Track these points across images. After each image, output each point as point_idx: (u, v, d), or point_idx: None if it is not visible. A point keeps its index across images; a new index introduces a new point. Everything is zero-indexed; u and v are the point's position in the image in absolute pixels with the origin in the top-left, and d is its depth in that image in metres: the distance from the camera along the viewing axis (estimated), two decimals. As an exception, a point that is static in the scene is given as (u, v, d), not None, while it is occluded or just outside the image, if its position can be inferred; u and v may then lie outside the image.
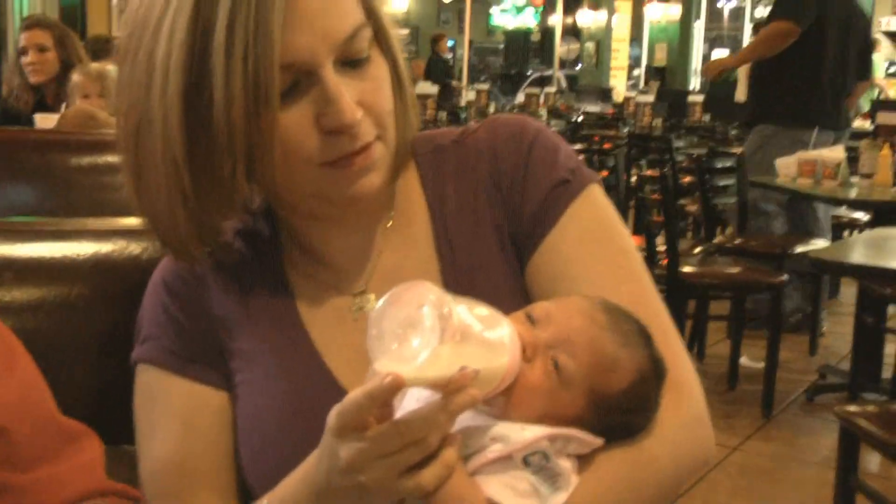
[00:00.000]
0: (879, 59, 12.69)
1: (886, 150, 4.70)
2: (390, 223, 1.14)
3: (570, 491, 0.92)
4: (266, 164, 0.97)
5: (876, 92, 11.85)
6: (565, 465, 0.92)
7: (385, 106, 1.03)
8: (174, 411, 1.10)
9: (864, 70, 5.62)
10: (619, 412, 0.97)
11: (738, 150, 6.55)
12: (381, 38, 1.03)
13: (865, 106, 11.22)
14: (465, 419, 0.90)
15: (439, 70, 14.52)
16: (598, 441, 0.95)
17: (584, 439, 0.94)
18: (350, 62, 0.99)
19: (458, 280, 1.09)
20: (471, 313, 0.87)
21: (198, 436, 1.09)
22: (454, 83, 11.07)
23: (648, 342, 0.99)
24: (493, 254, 1.11)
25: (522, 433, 0.90)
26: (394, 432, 0.83)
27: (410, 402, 0.87)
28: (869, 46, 5.65)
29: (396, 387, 0.81)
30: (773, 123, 5.44)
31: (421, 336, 0.82)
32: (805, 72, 5.30)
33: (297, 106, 0.96)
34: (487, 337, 0.88)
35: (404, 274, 1.09)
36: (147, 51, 0.96)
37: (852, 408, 2.58)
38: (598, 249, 1.10)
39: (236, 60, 0.91)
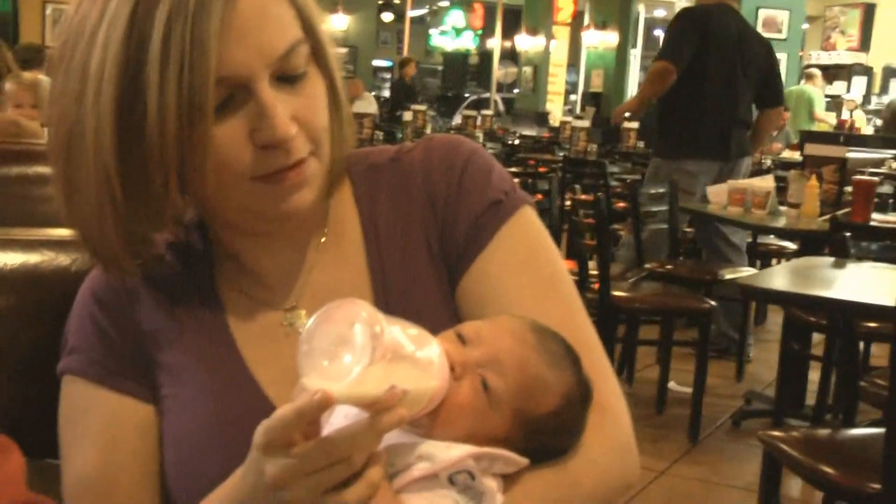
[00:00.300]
0: (818, 94, 12.96)
1: (814, 181, 4.80)
2: (323, 239, 1.14)
3: None
4: (198, 178, 0.96)
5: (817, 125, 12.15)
6: (490, 484, 0.93)
7: (320, 122, 1.03)
8: (98, 424, 1.08)
9: (771, 97, 5.82)
10: (546, 433, 0.97)
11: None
12: (318, 54, 1.04)
13: (794, 137, 11.47)
14: (392, 437, 0.90)
15: (403, 95, 14.44)
16: (523, 461, 0.96)
17: (510, 459, 0.95)
18: (286, 77, 0.99)
19: (389, 299, 1.09)
20: (402, 333, 0.88)
21: (121, 450, 1.08)
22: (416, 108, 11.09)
23: (576, 365, 1.00)
24: (424, 273, 1.11)
25: (448, 452, 0.91)
26: (319, 450, 0.83)
27: (338, 419, 0.87)
28: (773, 73, 5.77)
29: (325, 404, 0.81)
30: (658, 156, 5.79)
31: (352, 354, 0.82)
32: (686, 107, 5.54)
33: (231, 120, 0.96)
34: (418, 357, 0.88)
35: (335, 291, 1.09)
36: (81, 60, 0.95)
37: (776, 433, 2.62)
38: (528, 272, 1.10)
39: (171, 73, 0.91)
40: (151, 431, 1.09)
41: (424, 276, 1.11)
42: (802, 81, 14.30)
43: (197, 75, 0.91)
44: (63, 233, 1.34)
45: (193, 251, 1.14)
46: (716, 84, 5.52)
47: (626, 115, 6.38)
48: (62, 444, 1.11)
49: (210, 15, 0.91)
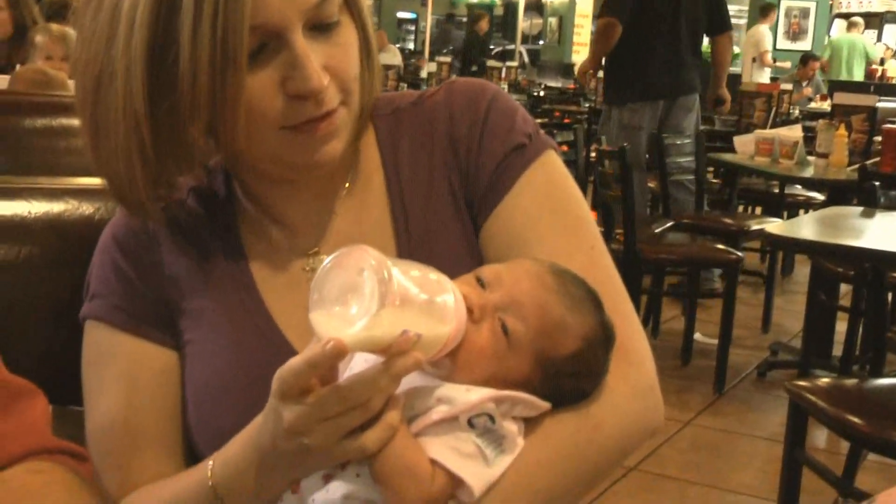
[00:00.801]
0: (870, 44, 12.81)
1: (842, 131, 4.75)
2: (347, 185, 1.13)
3: (515, 454, 0.93)
4: (229, 126, 0.96)
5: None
6: (511, 427, 0.93)
7: (351, 72, 1.02)
8: (121, 369, 1.09)
9: (717, 24, 5.90)
10: (567, 376, 0.97)
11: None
12: (350, 3, 1.02)
13: (824, 87, 11.34)
14: (411, 380, 0.90)
15: (478, 50, 14.00)
16: (545, 405, 0.96)
17: (530, 402, 0.94)
18: (319, 26, 0.98)
19: (412, 243, 1.09)
20: (413, 278, 0.87)
21: (144, 395, 1.08)
22: (490, 62, 10.90)
23: (598, 307, 0.99)
24: (448, 217, 1.10)
25: (468, 395, 0.90)
26: (336, 396, 0.84)
27: (358, 363, 0.87)
28: (716, 1, 5.85)
29: (338, 353, 0.81)
30: (607, 103, 5.97)
31: (360, 301, 0.82)
32: (629, 53, 5.66)
33: (263, 68, 0.95)
34: (431, 301, 0.87)
35: (358, 236, 1.09)
36: (112, 2, 0.94)
37: (802, 382, 2.61)
38: (552, 216, 1.10)
39: (205, 19, 0.90)
40: (173, 376, 1.09)
41: (447, 220, 1.10)
42: (842, 30, 14.10)
43: (231, 23, 0.90)
44: (86, 181, 1.35)
45: (216, 196, 1.13)
46: (657, 28, 5.62)
47: (590, 72, 6.49)
48: (85, 388, 1.11)
49: None
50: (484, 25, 14.52)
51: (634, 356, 1.05)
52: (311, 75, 0.95)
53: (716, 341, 4.45)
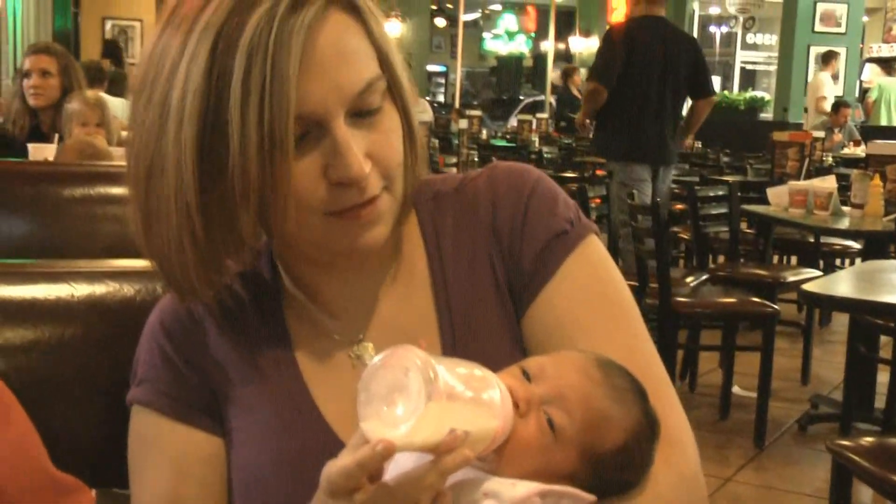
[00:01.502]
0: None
1: (877, 181, 4.72)
2: (391, 272, 1.13)
3: None
4: (279, 212, 0.96)
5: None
6: None
7: (394, 158, 1.02)
8: (166, 456, 1.09)
9: (698, 88, 6.27)
10: (613, 469, 0.96)
11: (730, 178, 6.59)
12: (393, 89, 1.03)
13: (856, 132, 11.29)
14: (459, 474, 0.90)
15: (567, 105, 13.31)
16: (590, 498, 0.94)
17: (576, 496, 0.93)
18: (361, 113, 0.98)
19: (455, 332, 1.09)
20: (458, 375, 0.87)
21: (189, 483, 1.08)
22: (471, 114, 10.76)
23: (643, 398, 0.99)
24: (491, 305, 1.10)
25: (514, 489, 0.90)
26: (385, 494, 0.84)
27: (404, 458, 0.87)
28: (699, 67, 6.17)
29: (387, 454, 0.81)
30: (606, 159, 6.39)
31: (408, 400, 0.82)
32: (618, 115, 6.08)
33: (306, 155, 0.96)
34: (476, 398, 0.87)
35: (402, 324, 1.09)
36: (162, 95, 0.95)
37: (845, 442, 2.57)
38: (595, 303, 1.09)
39: (252, 110, 0.91)
40: (219, 464, 1.09)
41: (490, 308, 1.10)
42: (875, 73, 14.03)
43: (277, 113, 0.91)
44: (126, 263, 1.36)
45: (262, 281, 1.14)
46: (643, 94, 6.01)
47: (586, 122, 6.80)
48: (131, 472, 1.12)
49: (290, 51, 0.91)
50: (577, 80, 13.55)
51: (678, 445, 1.04)
52: (352, 163, 0.96)
53: (754, 394, 4.40)
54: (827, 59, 12.92)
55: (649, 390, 1.00)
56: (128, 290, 1.30)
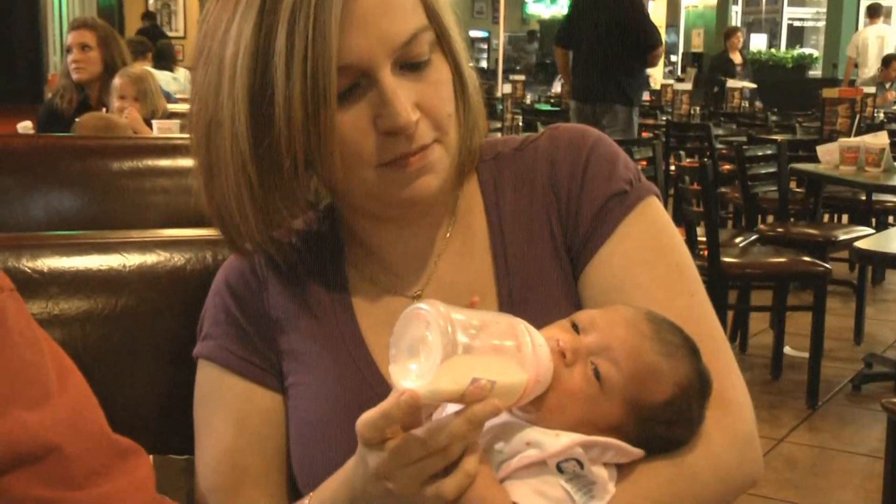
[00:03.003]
0: None
1: (930, 136, 4.64)
2: (450, 229, 1.15)
3: (605, 500, 0.92)
4: (327, 164, 0.99)
5: None
6: (601, 473, 0.92)
7: (444, 109, 1.04)
8: (228, 410, 1.13)
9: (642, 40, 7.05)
10: (660, 424, 0.96)
11: (778, 137, 6.50)
12: (443, 41, 1.05)
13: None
14: (503, 424, 0.91)
15: (721, 69, 12.25)
16: (637, 452, 0.95)
17: (622, 449, 0.94)
18: (409, 65, 1.01)
19: (512, 290, 1.10)
20: (485, 328, 0.88)
21: (250, 436, 1.12)
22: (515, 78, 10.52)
23: (694, 355, 0.98)
24: (548, 264, 1.11)
25: (557, 439, 0.90)
26: (415, 443, 0.86)
27: (450, 409, 0.89)
28: (629, 26, 6.87)
29: (412, 404, 0.83)
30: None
31: (428, 354, 0.84)
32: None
33: (355, 107, 0.99)
34: (505, 350, 0.88)
35: (460, 281, 1.11)
36: (217, 53, 1.00)
37: (900, 399, 2.54)
38: (651, 263, 1.09)
39: (296, 62, 0.94)
40: (278, 418, 1.12)
41: (547, 268, 1.11)
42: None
43: (320, 64, 0.94)
44: (177, 233, 1.38)
45: (324, 238, 1.16)
46: (584, 45, 6.96)
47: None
48: (196, 424, 1.15)
49: (331, 4, 0.94)
50: (736, 42, 12.44)
51: (733, 405, 1.03)
52: (399, 111, 0.98)
53: (807, 355, 4.37)
54: (873, 12, 12.63)
55: (706, 350, 1.00)
56: (178, 259, 1.31)
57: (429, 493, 0.87)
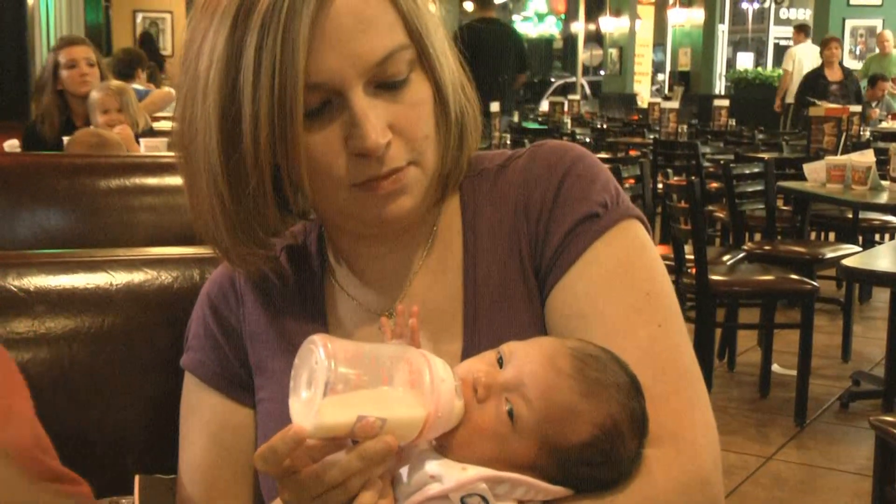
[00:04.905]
0: None
1: (916, 154, 4.66)
2: (429, 247, 1.12)
3: None
4: (295, 182, 0.98)
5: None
6: None
7: (420, 131, 1.00)
8: (204, 422, 1.14)
9: (519, 66, 8.70)
10: (580, 464, 0.91)
11: (765, 155, 6.52)
12: (424, 59, 1.01)
13: (895, 106, 11.15)
14: (417, 455, 0.90)
15: (815, 88, 10.21)
16: (556, 490, 0.90)
17: (536, 486, 0.90)
18: (385, 84, 0.97)
19: (478, 311, 1.07)
20: (374, 363, 0.87)
21: (222, 449, 1.12)
22: (551, 98, 10.39)
23: (627, 393, 0.93)
24: (515, 287, 1.07)
25: (461, 473, 0.88)
26: (312, 477, 0.86)
27: (413, 453, 0.90)
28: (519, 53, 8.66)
29: (297, 439, 0.84)
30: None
31: (316, 389, 0.84)
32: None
33: (326, 126, 0.96)
34: (403, 382, 0.87)
35: (431, 300, 1.09)
36: (194, 63, 0.99)
37: (887, 417, 2.54)
38: (618, 290, 1.04)
39: (263, 78, 0.92)
40: (250, 433, 1.13)
41: (515, 290, 1.07)
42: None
43: (287, 82, 0.92)
44: (163, 251, 1.37)
45: (309, 251, 1.16)
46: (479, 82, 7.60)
47: None
48: (181, 431, 1.16)
49: (301, 21, 0.91)
50: (832, 55, 10.44)
51: (687, 445, 0.97)
52: (368, 134, 0.95)
53: (794, 372, 4.37)
54: (801, 30, 12.78)
55: (667, 385, 0.97)
56: (165, 277, 1.31)
57: None
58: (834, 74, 10.32)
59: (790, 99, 11.63)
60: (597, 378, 0.91)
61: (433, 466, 0.89)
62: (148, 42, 11.06)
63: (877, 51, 11.87)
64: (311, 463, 0.86)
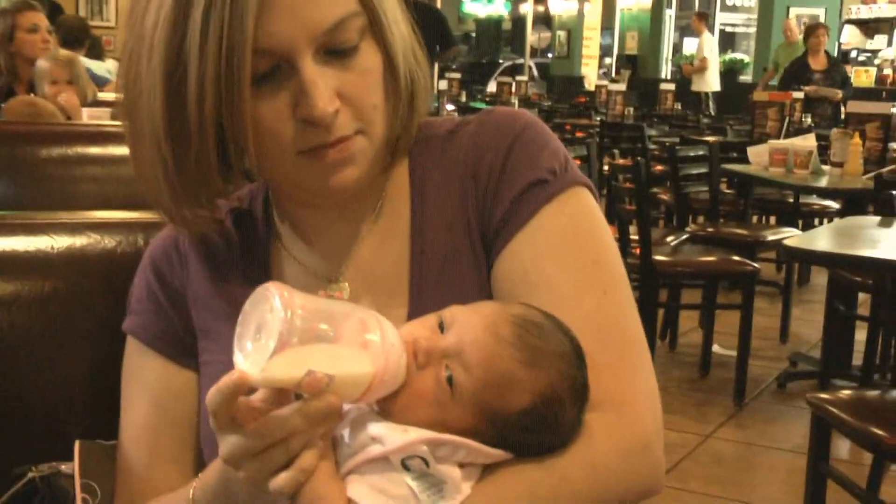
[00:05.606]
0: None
1: (857, 139, 4.74)
2: (377, 213, 1.11)
3: (457, 500, 0.88)
4: (239, 147, 0.97)
5: None
6: (452, 473, 0.88)
7: (369, 100, 1.00)
8: (146, 386, 1.13)
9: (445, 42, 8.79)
10: (520, 430, 0.91)
11: (710, 138, 6.60)
12: (376, 27, 1.00)
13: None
14: (356, 416, 0.90)
15: (798, 76, 9.48)
16: (496, 453, 0.91)
17: (476, 449, 0.90)
18: (334, 51, 0.96)
19: (424, 277, 1.07)
20: (329, 319, 0.86)
21: (164, 413, 1.11)
22: (451, 76, 10.52)
23: (568, 360, 0.93)
24: (462, 252, 1.07)
25: (402, 436, 0.88)
26: (254, 432, 0.85)
27: (355, 415, 0.89)
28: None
29: (241, 385, 0.83)
30: None
31: (268, 338, 0.82)
32: None
33: (273, 92, 0.95)
34: (346, 343, 0.86)
35: (377, 266, 1.09)
36: (140, 19, 0.96)
37: (824, 395, 2.60)
38: (564, 257, 1.04)
39: (211, 41, 0.90)
40: (192, 397, 1.12)
41: (461, 256, 1.07)
42: (854, 37, 14.12)
43: (234, 46, 0.90)
44: (107, 215, 1.35)
45: (253, 217, 1.15)
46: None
47: None
48: (122, 395, 1.15)
49: None
50: (817, 43, 9.75)
51: (629, 413, 0.98)
52: (316, 102, 0.94)
53: (734, 353, 4.44)
54: (700, 17, 13.46)
55: (612, 352, 0.98)
56: (108, 241, 1.29)
57: (272, 486, 0.86)
58: (818, 63, 9.75)
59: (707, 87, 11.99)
60: (537, 346, 0.92)
61: (375, 428, 0.89)
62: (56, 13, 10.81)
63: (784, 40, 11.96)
64: (253, 420, 0.85)
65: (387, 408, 0.90)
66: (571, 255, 1.04)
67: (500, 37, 26.50)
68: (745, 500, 3.46)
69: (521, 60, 20.71)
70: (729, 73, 16.52)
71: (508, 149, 1.08)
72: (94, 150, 2.32)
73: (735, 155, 5.68)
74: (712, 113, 11.47)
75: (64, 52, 4.36)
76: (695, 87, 13.02)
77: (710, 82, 13.11)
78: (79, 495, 1.13)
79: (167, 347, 1.12)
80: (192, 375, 1.12)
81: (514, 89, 11.19)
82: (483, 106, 10.60)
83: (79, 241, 1.29)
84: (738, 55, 18.48)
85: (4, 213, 1.39)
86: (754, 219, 6.41)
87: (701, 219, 5.98)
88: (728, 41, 22.43)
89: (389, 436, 0.88)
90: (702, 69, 13.02)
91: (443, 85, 8.28)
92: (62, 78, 4.09)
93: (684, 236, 4.94)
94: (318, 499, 0.86)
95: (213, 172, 1.00)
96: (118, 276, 1.24)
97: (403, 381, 0.89)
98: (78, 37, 5.94)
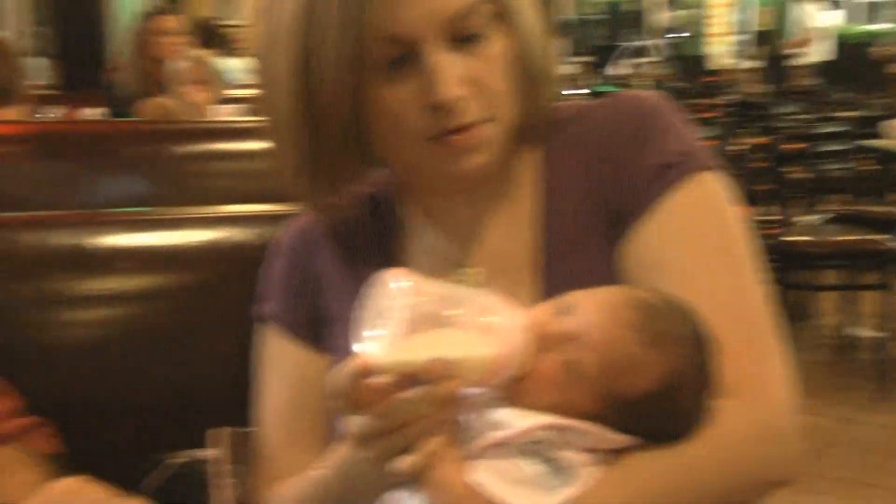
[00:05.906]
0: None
1: None
2: (505, 197, 1.12)
3: (580, 486, 0.88)
4: (372, 134, 1.00)
5: None
6: (575, 458, 0.88)
7: (497, 86, 1.01)
8: (279, 371, 1.16)
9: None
10: (644, 416, 0.90)
11: (847, 114, 6.36)
12: (506, 14, 1.01)
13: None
14: (479, 401, 0.90)
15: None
16: (619, 438, 0.90)
17: (599, 434, 0.89)
18: (462, 38, 0.98)
19: (553, 261, 1.07)
20: (454, 303, 0.87)
21: (299, 398, 1.15)
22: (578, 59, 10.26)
23: (693, 346, 0.92)
24: (591, 236, 1.07)
25: (522, 421, 0.88)
26: (381, 415, 0.86)
27: (478, 400, 0.90)
28: None
29: (366, 368, 0.84)
30: None
31: (391, 324, 0.84)
32: None
33: (404, 79, 0.97)
34: (477, 327, 0.87)
35: (506, 250, 1.09)
36: (271, 15, 1.00)
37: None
38: (692, 241, 1.03)
39: (342, 30, 0.94)
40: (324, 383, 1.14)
41: (590, 241, 1.07)
42: None
43: (364, 34, 0.93)
44: (239, 209, 1.39)
45: (384, 203, 1.16)
46: None
47: None
48: (259, 381, 1.18)
49: None
50: None
51: (761, 398, 0.96)
52: (440, 87, 0.96)
53: (876, 334, 4.28)
54: None
55: (743, 337, 0.96)
56: (239, 235, 1.34)
57: (395, 468, 0.87)
58: None
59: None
60: (660, 330, 0.91)
61: (498, 413, 0.89)
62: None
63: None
64: (379, 402, 0.86)
65: (510, 393, 0.90)
66: (700, 239, 1.03)
67: (624, 18, 26.11)
68: (889, 487, 3.34)
69: (647, 41, 20.39)
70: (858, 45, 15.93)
71: (637, 132, 1.07)
72: (227, 146, 2.38)
73: (871, 130, 5.47)
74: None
75: (194, 53, 4.48)
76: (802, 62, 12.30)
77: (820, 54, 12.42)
78: (228, 481, 1.17)
79: (303, 332, 1.15)
80: (327, 360, 1.14)
81: (641, 70, 11.00)
82: (611, 89, 10.49)
83: (210, 234, 1.33)
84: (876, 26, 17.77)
85: (140, 210, 1.44)
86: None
87: (836, 197, 5.79)
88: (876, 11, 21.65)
89: (512, 421, 0.88)
90: (803, 43, 12.35)
91: (570, 69, 8.20)
92: (193, 78, 4.20)
93: (822, 215, 4.79)
94: (441, 482, 0.87)
95: (347, 159, 1.03)
96: (250, 268, 1.27)
97: (527, 366, 0.89)
98: (209, 37, 6.10)
